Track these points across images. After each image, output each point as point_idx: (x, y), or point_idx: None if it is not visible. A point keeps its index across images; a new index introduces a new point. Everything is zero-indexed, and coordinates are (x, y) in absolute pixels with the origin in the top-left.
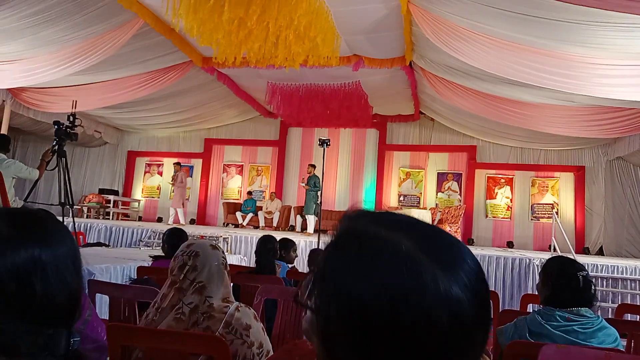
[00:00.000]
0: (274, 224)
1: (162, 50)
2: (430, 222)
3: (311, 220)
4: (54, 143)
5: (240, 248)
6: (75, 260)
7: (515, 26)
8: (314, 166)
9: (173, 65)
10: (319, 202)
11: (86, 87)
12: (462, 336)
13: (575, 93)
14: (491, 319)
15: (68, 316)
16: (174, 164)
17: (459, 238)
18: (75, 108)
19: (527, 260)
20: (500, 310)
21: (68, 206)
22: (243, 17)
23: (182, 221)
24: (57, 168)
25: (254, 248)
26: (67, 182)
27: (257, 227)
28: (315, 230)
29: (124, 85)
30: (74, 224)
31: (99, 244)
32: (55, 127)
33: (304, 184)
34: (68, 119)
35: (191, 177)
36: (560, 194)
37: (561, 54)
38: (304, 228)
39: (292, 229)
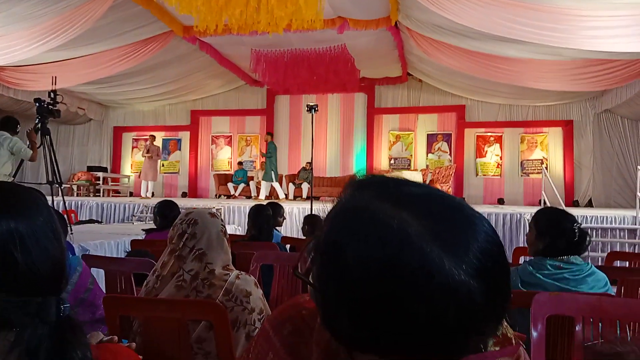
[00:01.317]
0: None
1: (141, 21)
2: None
3: (277, 186)
4: (37, 121)
5: (234, 218)
6: (54, 229)
7: None
8: (271, 134)
9: (153, 36)
10: (274, 169)
11: (66, 63)
12: (468, 326)
13: (563, 47)
14: (507, 306)
15: (54, 284)
16: (149, 135)
17: None
18: (55, 85)
19: (518, 216)
20: None
21: (57, 185)
22: None
23: (143, 193)
24: (41, 146)
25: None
26: (54, 160)
27: (249, 197)
28: (308, 197)
29: (104, 60)
30: (64, 203)
31: (91, 221)
32: (37, 104)
33: (261, 153)
34: (49, 95)
35: (180, 150)
36: (549, 149)
37: (549, 7)
38: (296, 196)
39: (285, 197)
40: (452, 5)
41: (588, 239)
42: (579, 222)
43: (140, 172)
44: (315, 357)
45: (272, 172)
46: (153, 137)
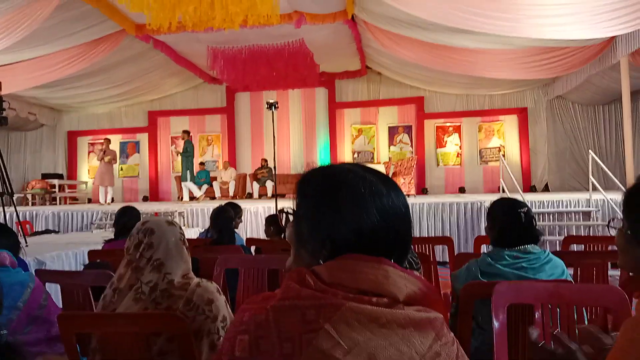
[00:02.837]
0: (231, 193)
1: (91, 21)
2: None
3: (192, 186)
4: None
5: (197, 221)
6: None
7: None
8: (187, 132)
9: (104, 36)
10: (190, 168)
11: (11, 67)
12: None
13: (512, 35)
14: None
15: None
16: (104, 139)
17: (413, 189)
18: (0, 90)
19: (479, 204)
20: (455, 253)
21: (7, 195)
22: None
23: (102, 200)
24: None
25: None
26: (3, 169)
27: (213, 198)
28: (273, 195)
29: (53, 62)
30: (17, 213)
31: (47, 232)
32: None
33: (174, 150)
34: None
35: (138, 152)
36: (506, 136)
37: None
38: (261, 194)
39: (250, 196)
40: None
41: (534, 222)
42: (528, 207)
43: (95, 178)
44: (279, 349)
45: (188, 172)
46: (108, 141)
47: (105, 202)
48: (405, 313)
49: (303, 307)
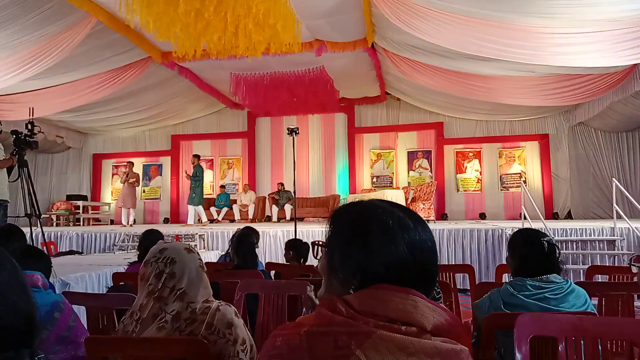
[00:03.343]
0: (250, 216)
1: (119, 48)
2: (404, 201)
3: (201, 210)
4: (14, 152)
5: (217, 244)
6: (20, 282)
7: (472, 1)
8: (197, 156)
9: (131, 62)
10: (199, 192)
11: (43, 91)
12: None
13: (533, 63)
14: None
15: (26, 336)
16: (127, 162)
17: (433, 214)
18: (32, 115)
19: (500, 231)
20: (476, 282)
21: (35, 217)
22: (199, 8)
23: (124, 222)
24: (19, 179)
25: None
26: (32, 192)
27: (233, 221)
28: (286, 218)
29: (82, 87)
30: (43, 234)
31: (71, 252)
32: (14, 136)
33: (185, 175)
34: (26, 127)
35: (161, 175)
36: (527, 162)
37: (518, 25)
38: (280, 218)
39: (269, 219)
40: (425, 25)
41: (558, 251)
42: (550, 237)
43: (117, 200)
44: None
45: (195, 196)
46: (132, 164)
47: (128, 223)
48: (432, 343)
49: (336, 333)
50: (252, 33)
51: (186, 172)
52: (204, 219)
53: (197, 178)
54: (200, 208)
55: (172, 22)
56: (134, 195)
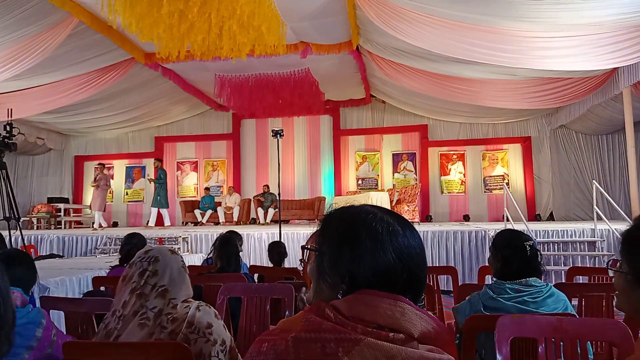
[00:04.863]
0: (235, 219)
1: (101, 49)
2: (389, 204)
3: (164, 213)
4: None
5: (201, 247)
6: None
7: (456, 4)
8: (159, 160)
9: (114, 63)
10: (163, 194)
11: (23, 92)
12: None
13: (516, 67)
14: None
15: None
16: (97, 164)
17: (417, 216)
18: (11, 116)
19: (483, 232)
20: (459, 284)
21: (14, 220)
22: (183, 9)
23: (96, 225)
24: None
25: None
26: (11, 194)
27: (217, 224)
28: (275, 221)
29: (64, 88)
30: (22, 238)
31: (52, 256)
32: None
33: (149, 179)
34: (5, 128)
35: (144, 177)
36: (510, 165)
37: (501, 29)
38: (274, 220)
39: (254, 222)
40: (409, 28)
41: (540, 255)
42: (533, 240)
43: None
44: None
45: (160, 198)
46: (102, 166)
47: (94, 226)
48: (419, 353)
49: (323, 339)
50: (236, 34)
51: (149, 176)
52: (167, 222)
53: (161, 181)
54: (164, 210)
55: (156, 22)
56: (102, 198)
